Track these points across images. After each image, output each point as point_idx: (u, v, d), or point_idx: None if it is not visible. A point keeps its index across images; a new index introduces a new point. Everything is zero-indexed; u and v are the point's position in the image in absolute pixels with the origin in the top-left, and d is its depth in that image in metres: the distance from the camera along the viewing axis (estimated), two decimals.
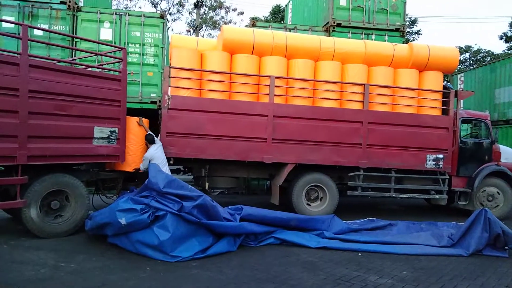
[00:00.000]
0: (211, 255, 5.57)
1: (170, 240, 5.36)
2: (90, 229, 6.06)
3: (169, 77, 8.11)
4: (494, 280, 5.11)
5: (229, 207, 6.46)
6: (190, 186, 6.41)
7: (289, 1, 16.79)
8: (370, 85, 8.74)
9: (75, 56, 10.06)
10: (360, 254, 6.05)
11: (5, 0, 10.49)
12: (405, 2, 12.62)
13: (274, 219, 6.51)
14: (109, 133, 6.97)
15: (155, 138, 7.60)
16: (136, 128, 7.65)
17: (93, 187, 7.68)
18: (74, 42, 10.57)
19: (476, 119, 9.97)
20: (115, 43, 10.63)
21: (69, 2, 10.59)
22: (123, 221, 5.48)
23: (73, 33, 10.54)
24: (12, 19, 10.17)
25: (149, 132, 7.71)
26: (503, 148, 9.94)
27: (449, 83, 10.50)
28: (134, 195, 6.01)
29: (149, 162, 7.09)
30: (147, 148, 7.53)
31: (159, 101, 10.74)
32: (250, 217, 6.23)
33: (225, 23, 28.41)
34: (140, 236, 5.51)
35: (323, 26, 12.49)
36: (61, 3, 10.64)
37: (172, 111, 7.94)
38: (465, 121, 9.81)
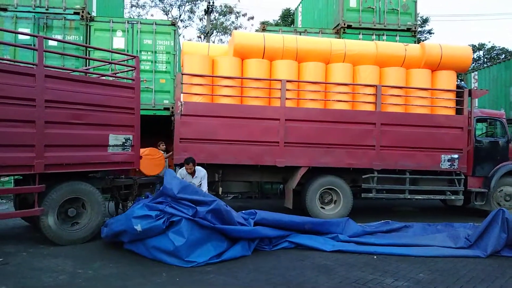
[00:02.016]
0: (226, 260, 5.59)
1: (185, 246, 5.40)
2: (106, 236, 6.13)
3: (182, 83, 8.20)
4: None
5: (243, 211, 6.48)
6: (204, 191, 6.46)
7: (299, 4, 16.85)
8: (382, 86, 8.70)
9: (89, 65, 10.25)
10: (375, 257, 6.01)
11: (21, 12, 10.77)
12: (416, 2, 12.58)
13: (288, 223, 6.51)
14: (124, 140, 7.06)
15: None
16: None
17: (109, 193, 7.78)
18: (87, 51, 10.79)
19: (491, 118, 9.84)
20: (127, 51, 10.83)
21: (82, 12, 10.86)
22: (138, 227, 5.54)
23: (86, 43, 10.77)
24: (27, 30, 10.47)
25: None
26: None
27: (462, 82, 10.38)
28: (149, 201, 6.07)
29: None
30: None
31: (172, 108, 10.89)
32: (264, 221, 6.24)
33: (236, 28, 28.59)
34: (155, 242, 5.56)
35: (334, 28, 12.51)
36: (75, 13, 10.92)
37: (185, 117, 8.01)
38: (480, 120, 9.68)
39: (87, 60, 10.35)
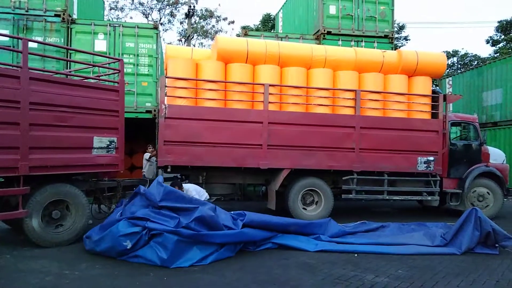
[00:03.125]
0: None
1: (170, 257, 5.42)
2: (90, 250, 5.98)
3: (166, 86, 8.26)
4: (485, 276, 5.30)
5: (233, 212, 6.54)
6: (191, 196, 6.48)
7: (280, 10, 17.09)
8: (361, 91, 8.99)
9: (69, 68, 10.18)
10: (356, 255, 6.22)
11: (0, 14, 10.61)
12: (393, 10, 12.97)
13: (275, 225, 6.61)
14: (108, 143, 7.08)
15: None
16: None
17: (92, 196, 7.75)
18: (69, 54, 10.71)
19: (465, 122, 10.26)
20: (109, 54, 10.80)
21: (63, 14, 10.77)
22: (128, 244, 5.54)
23: (67, 45, 10.68)
24: (6, 32, 10.30)
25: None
26: (491, 150, 10.23)
27: (437, 87, 10.77)
28: (125, 205, 6.08)
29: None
30: None
31: (154, 110, 10.91)
32: (252, 223, 6.29)
33: (216, 32, 28.69)
34: (141, 253, 5.57)
35: (314, 34, 12.78)
36: (56, 15, 10.81)
37: (169, 120, 8.08)
38: (454, 124, 10.09)
39: (68, 62, 10.27)
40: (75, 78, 7.63)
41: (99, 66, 7.94)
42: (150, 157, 10.47)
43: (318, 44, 12.00)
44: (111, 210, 7.65)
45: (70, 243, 6.44)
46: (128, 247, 5.55)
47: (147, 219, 5.72)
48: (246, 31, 13.00)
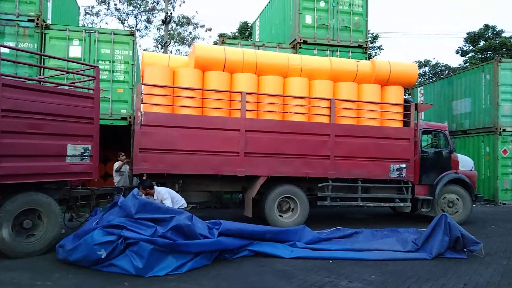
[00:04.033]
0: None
1: (145, 266, 5.38)
2: (63, 259, 5.87)
3: (142, 93, 8.22)
4: (454, 280, 5.49)
5: (208, 221, 6.51)
6: (166, 206, 6.41)
7: (257, 19, 17.26)
8: (336, 99, 9.17)
9: (43, 74, 9.99)
10: (331, 261, 6.33)
11: None
12: (366, 20, 13.31)
13: (251, 233, 6.62)
14: (82, 151, 6.98)
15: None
16: None
17: (65, 205, 7.59)
18: (42, 60, 10.51)
19: (435, 130, 10.60)
20: (84, 60, 10.66)
21: (37, 20, 10.57)
22: (103, 254, 5.46)
23: (41, 51, 10.49)
24: None
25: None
26: (460, 157, 10.60)
27: (410, 96, 11.13)
28: (106, 222, 5.92)
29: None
30: None
31: (130, 118, 10.80)
32: (228, 231, 6.30)
33: (193, 39, 28.67)
34: (115, 262, 5.51)
35: (290, 43, 12.98)
36: (29, 20, 10.60)
37: (145, 127, 8.02)
38: (425, 132, 10.41)
39: (41, 68, 10.08)
40: (49, 84, 7.51)
41: (73, 73, 7.84)
42: (120, 167, 9.66)
43: (294, 53, 12.19)
44: (85, 219, 7.54)
45: (42, 253, 6.29)
46: (102, 256, 5.47)
47: (123, 227, 5.67)
48: (223, 39, 13.07)
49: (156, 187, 7.30)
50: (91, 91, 7.30)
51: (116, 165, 9.67)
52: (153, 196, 7.16)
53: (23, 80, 7.19)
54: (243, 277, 5.43)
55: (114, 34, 11.21)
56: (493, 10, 65.31)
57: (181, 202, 7.40)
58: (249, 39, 24.67)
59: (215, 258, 6.11)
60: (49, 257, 6.18)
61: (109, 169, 12.57)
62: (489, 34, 30.76)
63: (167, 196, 7.14)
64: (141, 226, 5.71)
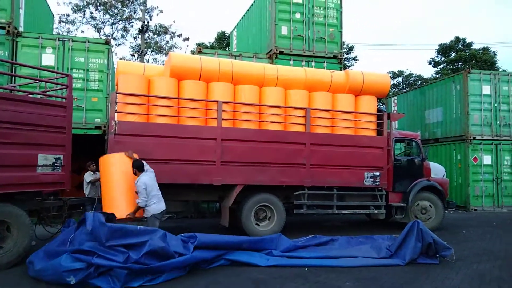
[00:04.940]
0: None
1: (122, 285, 5.27)
2: (35, 277, 5.60)
3: (116, 102, 8.11)
4: (427, 285, 5.61)
5: (183, 234, 6.38)
6: (139, 227, 5.98)
7: (234, 29, 17.39)
8: (311, 109, 9.29)
9: (14, 82, 9.77)
10: (306, 269, 6.36)
11: None
12: (341, 32, 13.61)
13: (227, 244, 6.57)
14: (54, 160, 6.84)
15: (145, 165, 7.02)
16: (126, 164, 7.14)
17: (36, 216, 7.38)
18: (14, 68, 10.28)
19: (408, 139, 10.86)
20: (57, 68, 10.50)
21: (9, 27, 10.37)
22: (72, 280, 5.22)
23: (12, 59, 10.27)
24: None
25: (137, 158, 7.25)
26: (433, 165, 10.87)
27: (384, 106, 11.36)
28: (76, 229, 5.76)
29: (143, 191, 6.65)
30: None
31: (104, 127, 10.65)
32: (204, 244, 6.20)
33: (170, 48, 28.58)
34: (92, 281, 5.28)
35: (267, 53, 13.12)
36: (0, 28, 10.37)
37: (119, 137, 7.89)
38: (398, 140, 10.64)
39: (12, 76, 9.84)
40: (20, 93, 7.35)
41: (45, 81, 7.71)
42: (95, 181, 8.88)
43: (271, 63, 12.33)
44: (58, 230, 7.37)
45: (11, 266, 6.09)
46: (71, 283, 5.20)
47: (94, 253, 5.39)
48: (200, 49, 13.11)
49: (140, 176, 6.81)
50: (63, 100, 7.18)
51: (90, 177, 9.14)
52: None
53: None
54: (219, 287, 5.39)
55: (88, 42, 11.10)
56: (465, 25, 67.77)
57: (156, 197, 6.93)
58: (227, 49, 24.79)
59: (191, 268, 6.04)
60: (19, 270, 5.98)
61: (83, 179, 12.28)
62: (460, 46, 31.88)
63: (141, 190, 6.65)
64: (113, 252, 5.46)
